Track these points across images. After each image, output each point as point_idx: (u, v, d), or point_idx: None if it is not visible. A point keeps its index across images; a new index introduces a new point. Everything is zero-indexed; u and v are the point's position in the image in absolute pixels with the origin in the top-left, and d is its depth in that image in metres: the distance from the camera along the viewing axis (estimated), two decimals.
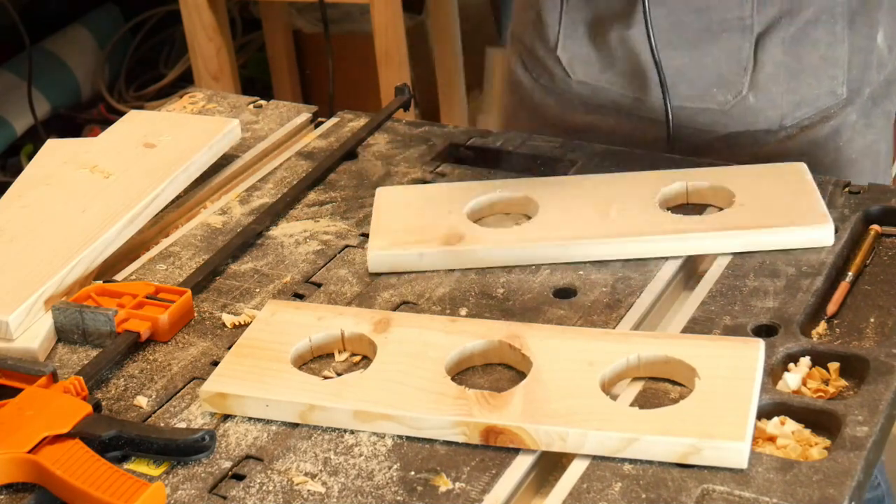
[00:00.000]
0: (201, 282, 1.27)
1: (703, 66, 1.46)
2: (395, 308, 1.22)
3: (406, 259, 1.26)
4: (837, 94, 1.48)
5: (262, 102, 1.65)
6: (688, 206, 1.30)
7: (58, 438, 1.03)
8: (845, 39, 1.46)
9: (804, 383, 1.08)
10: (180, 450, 1.04)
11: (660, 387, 1.08)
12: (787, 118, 1.47)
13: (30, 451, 1.02)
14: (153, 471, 1.04)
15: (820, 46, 1.46)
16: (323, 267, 1.30)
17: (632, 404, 1.06)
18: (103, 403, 1.12)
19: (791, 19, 1.44)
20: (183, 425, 1.09)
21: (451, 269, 1.26)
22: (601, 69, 1.51)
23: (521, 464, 1.02)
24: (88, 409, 1.06)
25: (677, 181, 1.30)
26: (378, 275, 1.27)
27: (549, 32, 1.55)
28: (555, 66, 1.56)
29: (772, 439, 1.02)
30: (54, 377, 1.12)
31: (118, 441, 1.04)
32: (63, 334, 1.21)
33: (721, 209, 1.27)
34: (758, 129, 1.49)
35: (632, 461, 1.00)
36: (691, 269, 1.27)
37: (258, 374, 1.10)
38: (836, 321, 1.16)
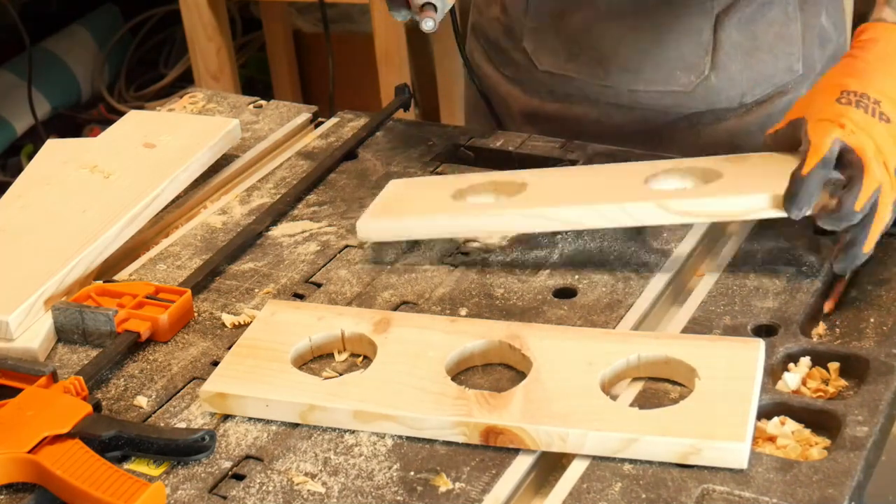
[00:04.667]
0: (201, 282, 1.27)
1: (666, 48, 1.49)
2: (395, 308, 1.22)
3: (394, 229, 1.29)
4: (794, 70, 1.52)
5: (262, 102, 1.65)
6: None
7: (58, 438, 1.03)
8: (797, 18, 1.50)
9: (804, 383, 1.08)
10: (180, 450, 1.04)
11: (660, 387, 1.08)
12: (747, 95, 1.51)
13: (30, 451, 1.02)
14: (153, 471, 1.04)
15: (775, 25, 1.50)
16: (323, 267, 1.30)
17: (632, 404, 1.06)
18: (103, 403, 1.12)
19: (749, 2, 1.48)
20: (183, 425, 1.09)
21: (450, 269, 1.26)
22: (566, 58, 1.54)
23: (521, 464, 1.02)
24: (88, 408, 1.06)
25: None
26: (378, 274, 1.27)
27: (515, 24, 1.57)
28: (521, 58, 1.58)
29: (772, 439, 1.02)
30: (54, 377, 1.12)
31: (118, 441, 1.04)
32: (63, 334, 1.21)
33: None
34: (719, 108, 1.52)
35: (632, 461, 1.00)
36: (690, 270, 1.27)
37: (258, 374, 1.10)
38: (836, 321, 1.16)
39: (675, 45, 1.48)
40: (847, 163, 1.15)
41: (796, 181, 1.15)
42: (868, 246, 1.16)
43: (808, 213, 1.15)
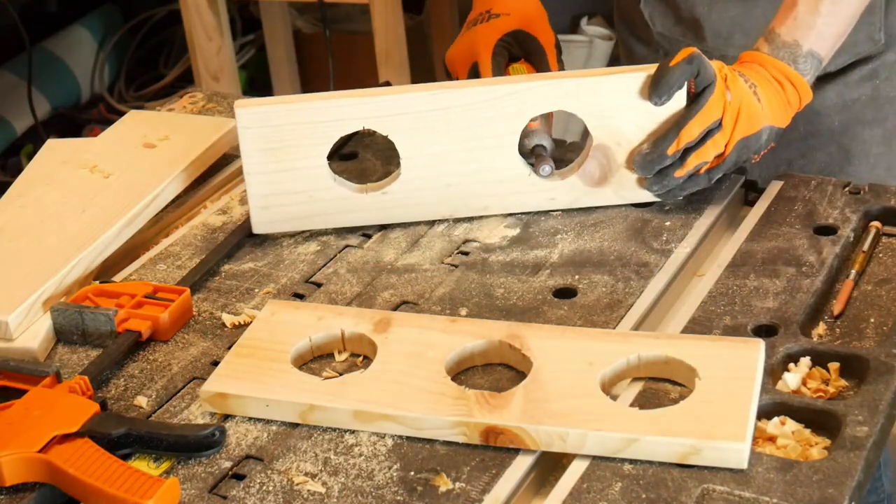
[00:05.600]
0: (199, 280, 1.27)
1: (754, 16, 1.53)
2: (395, 308, 1.22)
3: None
4: (875, 40, 1.54)
5: None
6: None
7: (67, 437, 1.03)
8: None
9: (804, 383, 1.08)
10: (191, 446, 1.04)
11: (660, 387, 1.08)
12: (830, 64, 1.51)
13: (40, 451, 1.02)
14: (153, 470, 1.03)
15: None
16: (323, 267, 1.30)
17: (632, 404, 1.06)
18: None
19: None
20: None
21: (450, 269, 1.26)
22: (674, 21, 1.60)
23: (521, 464, 1.02)
24: (96, 407, 1.06)
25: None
26: (378, 274, 1.27)
27: None
28: (642, 20, 1.65)
29: (772, 439, 1.02)
30: (58, 377, 1.12)
31: (128, 439, 1.04)
32: (62, 335, 1.21)
33: None
34: None
35: (632, 461, 1.00)
36: (692, 268, 1.27)
37: (258, 374, 1.10)
38: (836, 321, 1.16)
39: (762, 14, 1.51)
40: (702, 80, 1.28)
41: (661, 69, 1.28)
42: (681, 171, 1.29)
43: (668, 102, 1.28)
